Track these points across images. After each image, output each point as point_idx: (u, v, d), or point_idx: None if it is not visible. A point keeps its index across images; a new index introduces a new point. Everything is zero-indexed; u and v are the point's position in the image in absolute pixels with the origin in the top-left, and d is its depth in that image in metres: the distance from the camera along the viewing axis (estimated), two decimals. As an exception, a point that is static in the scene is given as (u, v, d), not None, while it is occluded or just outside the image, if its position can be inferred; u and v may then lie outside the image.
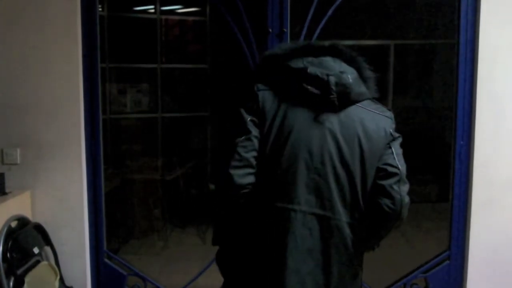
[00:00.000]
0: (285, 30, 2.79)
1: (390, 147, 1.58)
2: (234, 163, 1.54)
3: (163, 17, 4.56)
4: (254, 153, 1.55)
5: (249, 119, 1.57)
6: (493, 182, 2.85)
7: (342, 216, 1.54)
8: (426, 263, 2.98)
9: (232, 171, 1.53)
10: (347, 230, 1.55)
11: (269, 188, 1.55)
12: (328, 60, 1.57)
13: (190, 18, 4.81)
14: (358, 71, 1.61)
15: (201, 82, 4.68)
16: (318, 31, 2.84)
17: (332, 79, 1.53)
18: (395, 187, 1.52)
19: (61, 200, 2.89)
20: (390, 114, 1.64)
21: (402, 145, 1.64)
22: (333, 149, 1.53)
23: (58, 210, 2.90)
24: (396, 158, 1.56)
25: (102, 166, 2.97)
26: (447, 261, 2.93)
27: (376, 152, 1.56)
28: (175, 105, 4.75)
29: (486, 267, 2.87)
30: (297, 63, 1.57)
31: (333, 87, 1.53)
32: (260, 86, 1.61)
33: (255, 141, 1.56)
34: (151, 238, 4.30)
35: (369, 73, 1.64)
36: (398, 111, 5.48)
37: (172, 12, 4.67)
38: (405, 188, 1.55)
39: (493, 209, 2.85)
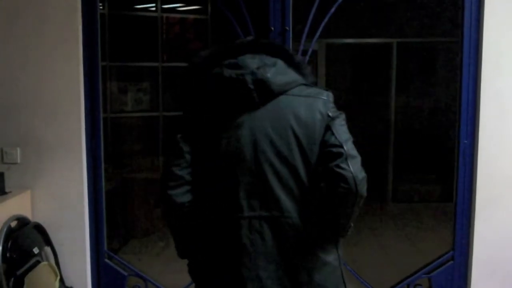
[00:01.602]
0: (287, 28, 2.77)
1: (329, 128, 1.54)
2: (171, 183, 1.55)
3: (164, 15, 4.53)
4: (189, 170, 1.56)
5: (179, 136, 1.57)
6: (497, 182, 2.82)
7: (292, 211, 1.52)
8: (430, 263, 2.95)
9: (170, 192, 1.54)
10: (300, 224, 1.53)
11: (214, 200, 1.55)
12: (245, 58, 1.55)
13: (191, 16, 4.79)
14: (286, 60, 1.59)
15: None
16: (320, 29, 2.82)
17: (248, 78, 1.51)
18: (343, 165, 1.47)
19: (61, 199, 2.87)
20: (326, 94, 1.60)
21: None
22: (267, 147, 1.51)
23: (58, 210, 2.87)
24: (338, 136, 1.52)
25: (103, 165, 2.95)
26: (451, 262, 2.91)
27: (314, 137, 1.53)
28: (176, 104, 4.71)
29: (490, 267, 2.85)
30: (216, 69, 1.55)
31: (251, 86, 1.51)
32: (187, 98, 1.61)
33: (188, 157, 1.56)
34: (152, 238, 4.28)
35: (298, 59, 1.63)
36: (401, 109, 5.51)
37: (173, 10, 4.65)
38: (355, 162, 1.49)
39: (498, 209, 2.83)
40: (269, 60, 1.56)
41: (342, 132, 1.54)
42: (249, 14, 2.81)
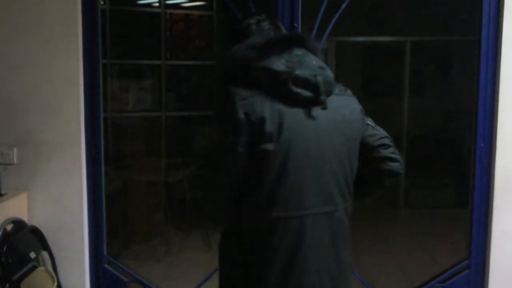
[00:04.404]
0: (296, 25, 2.72)
1: (367, 123, 1.71)
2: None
3: (168, 11, 4.54)
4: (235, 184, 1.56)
5: (241, 142, 1.49)
6: (515, 187, 2.77)
7: (340, 205, 1.60)
8: (445, 272, 2.91)
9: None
10: (344, 216, 1.63)
11: (277, 200, 1.53)
12: (302, 56, 1.58)
13: (196, 13, 4.83)
14: (313, 52, 1.64)
15: (207, 80, 4.66)
16: (330, 26, 2.78)
17: (320, 79, 1.54)
18: (396, 151, 1.74)
19: (60, 202, 2.84)
20: (349, 91, 1.70)
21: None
22: (327, 146, 1.57)
23: (56, 212, 2.84)
24: (378, 129, 1.74)
25: (103, 167, 2.91)
26: (467, 270, 2.87)
27: (357, 135, 1.65)
28: (180, 104, 4.73)
29: (509, 276, 2.80)
30: (277, 64, 1.54)
31: (322, 88, 1.54)
32: (241, 93, 1.53)
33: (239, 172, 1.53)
34: (153, 243, 4.27)
35: (318, 46, 1.69)
36: (414, 111, 5.45)
37: (177, 6, 4.72)
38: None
39: (516, 215, 2.78)
40: (315, 58, 1.61)
41: (375, 125, 1.75)
42: (257, 10, 2.76)
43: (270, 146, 1.49)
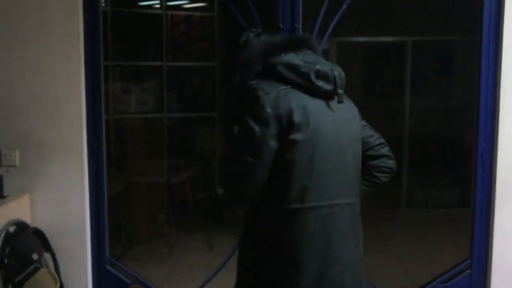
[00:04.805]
0: (296, 26, 2.71)
1: (365, 124, 1.82)
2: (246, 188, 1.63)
3: (169, 12, 4.53)
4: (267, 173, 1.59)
5: (270, 133, 1.54)
6: (518, 186, 2.75)
7: (357, 198, 1.70)
8: (446, 272, 2.89)
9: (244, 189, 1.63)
10: (359, 210, 1.72)
11: (308, 190, 1.57)
12: (314, 54, 1.68)
13: (197, 14, 4.82)
14: (317, 54, 1.74)
15: (209, 81, 4.66)
16: (331, 26, 2.77)
17: (337, 74, 1.62)
18: (389, 149, 1.84)
19: (62, 204, 2.83)
20: (345, 94, 1.74)
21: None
22: (346, 140, 1.66)
23: (59, 214, 2.83)
24: (373, 130, 1.84)
25: (105, 169, 2.90)
26: (469, 270, 2.85)
27: (359, 133, 1.74)
28: (182, 105, 4.74)
29: (510, 276, 2.78)
30: (296, 59, 1.62)
31: (338, 81, 1.62)
32: (265, 88, 1.58)
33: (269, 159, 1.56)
34: (155, 245, 4.26)
35: (319, 49, 1.79)
36: (415, 111, 5.43)
37: (178, 7, 4.72)
38: None
39: (518, 215, 2.76)
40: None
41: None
42: (257, 11, 2.76)
43: (299, 136, 1.53)
